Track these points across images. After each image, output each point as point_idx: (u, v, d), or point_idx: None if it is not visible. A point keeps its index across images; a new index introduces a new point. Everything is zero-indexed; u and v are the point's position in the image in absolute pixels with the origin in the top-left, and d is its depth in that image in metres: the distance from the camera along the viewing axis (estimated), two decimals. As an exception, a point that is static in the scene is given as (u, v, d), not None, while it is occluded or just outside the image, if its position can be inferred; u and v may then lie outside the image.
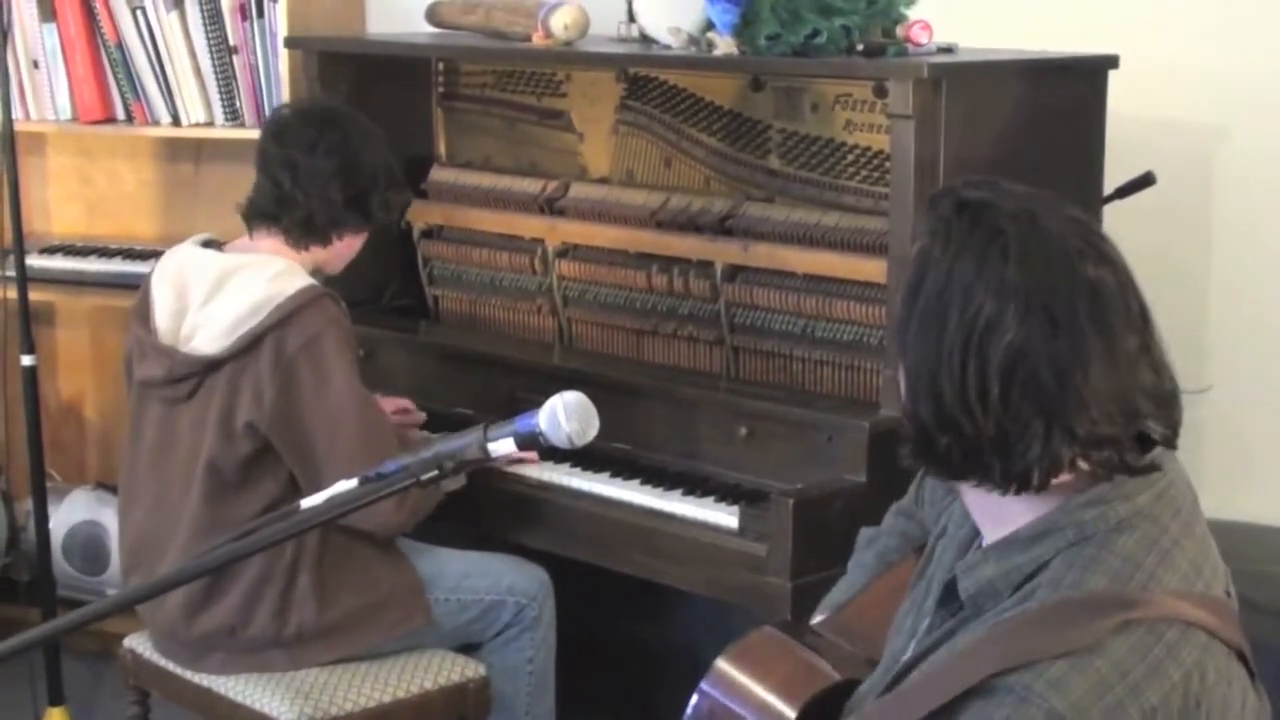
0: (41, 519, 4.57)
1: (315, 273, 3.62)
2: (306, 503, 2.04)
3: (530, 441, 2.06)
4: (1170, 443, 1.91)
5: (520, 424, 2.05)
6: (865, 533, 2.47)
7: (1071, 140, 3.64)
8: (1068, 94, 3.63)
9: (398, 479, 2.01)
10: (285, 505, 3.36)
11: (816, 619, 2.35)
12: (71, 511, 5.03)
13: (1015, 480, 1.86)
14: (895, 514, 2.44)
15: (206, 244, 3.68)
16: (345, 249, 3.68)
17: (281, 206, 3.59)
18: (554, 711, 3.79)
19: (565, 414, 2.05)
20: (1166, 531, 1.88)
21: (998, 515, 1.92)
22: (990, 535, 1.94)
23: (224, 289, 3.49)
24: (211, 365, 3.46)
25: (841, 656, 2.15)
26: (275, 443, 3.43)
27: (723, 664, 2.14)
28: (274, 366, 3.41)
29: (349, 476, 3.30)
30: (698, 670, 3.87)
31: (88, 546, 5.00)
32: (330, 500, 2.03)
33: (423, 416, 3.99)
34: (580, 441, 2.05)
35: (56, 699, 4.46)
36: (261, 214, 3.62)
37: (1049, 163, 3.56)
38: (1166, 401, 1.89)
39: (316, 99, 4.15)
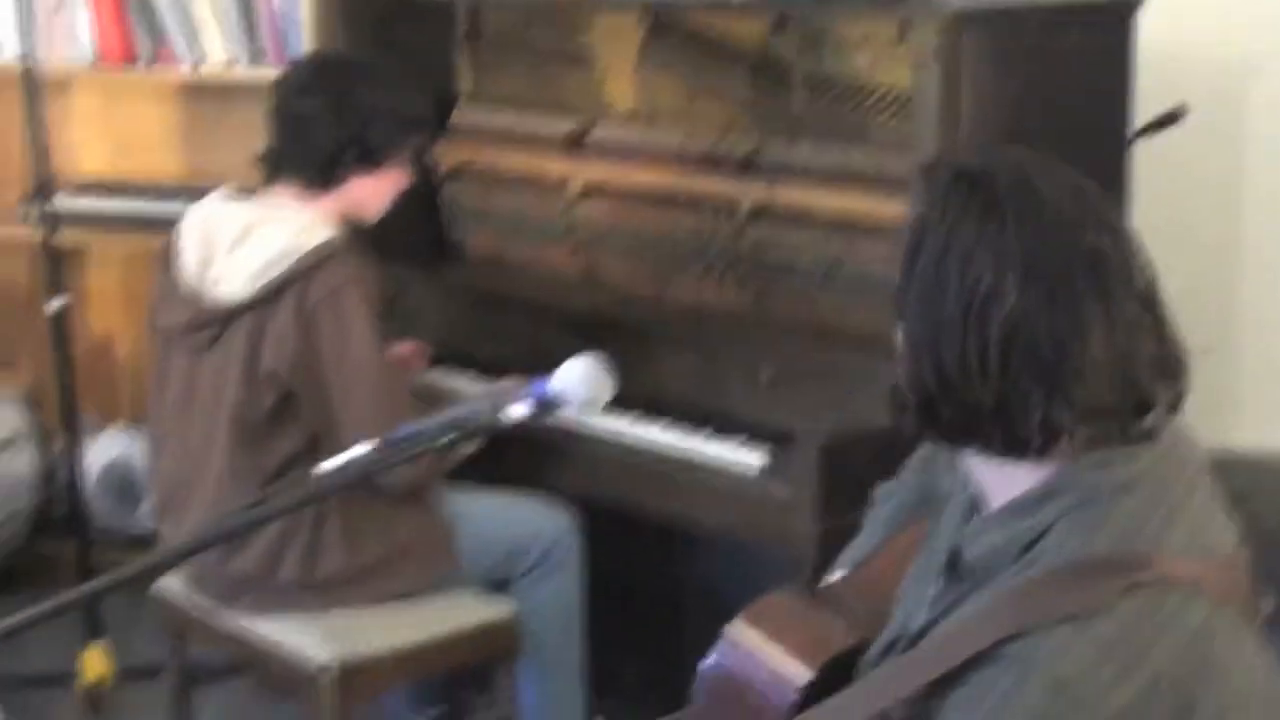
0: (73, 459, 4.63)
1: (347, 221, 3.63)
2: (323, 467, 2.07)
3: (545, 406, 2.08)
4: (1174, 410, 1.92)
5: (535, 389, 2.07)
6: (883, 487, 2.48)
7: (1098, 80, 3.64)
8: (1094, 34, 3.63)
9: (413, 444, 2.04)
10: (312, 454, 3.45)
11: (834, 576, 2.38)
12: (105, 449, 5.10)
13: (1015, 447, 1.87)
14: (912, 468, 2.46)
15: (233, 196, 3.69)
16: (365, 192, 3.67)
17: (285, 154, 3.63)
18: (583, 652, 3.82)
19: (580, 378, 2.07)
20: (1171, 490, 1.89)
21: (999, 481, 1.94)
22: (993, 500, 1.95)
23: (249, 238, 3.52)
24: (234, 313, 3.49)
25: (858, 618, 2.17)
26: (296, 391, 3.47)
27: (739, 625, 2.16)
28: (296, 317, 3.44)
29: (362, 432, 3.37)
30: (726, 610, 3.92)
31: (121, 483, 5.07)
32: (346, 465, 2.06)
33: (427, 358, 4.02)
34: (595, 407, 2.07)
35: (96, 633, 4.51)
36: (272, 164, 3.66)
37: (1075, 103, 3.56)
38: (1172, 370, 1.90)
39: (325, 49, 4.16)
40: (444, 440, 2.05)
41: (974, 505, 2.01)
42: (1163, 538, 1.86)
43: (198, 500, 3.57)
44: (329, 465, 2.06)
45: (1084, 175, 3.55)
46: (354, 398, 3.44)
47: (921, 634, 1.96)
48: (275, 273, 3.46)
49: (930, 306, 1.89)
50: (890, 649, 2.02)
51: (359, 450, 2.08)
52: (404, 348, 3.91)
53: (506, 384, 3.59)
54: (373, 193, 3.69)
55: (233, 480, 3.51)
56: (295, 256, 3.46)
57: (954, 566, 1.97)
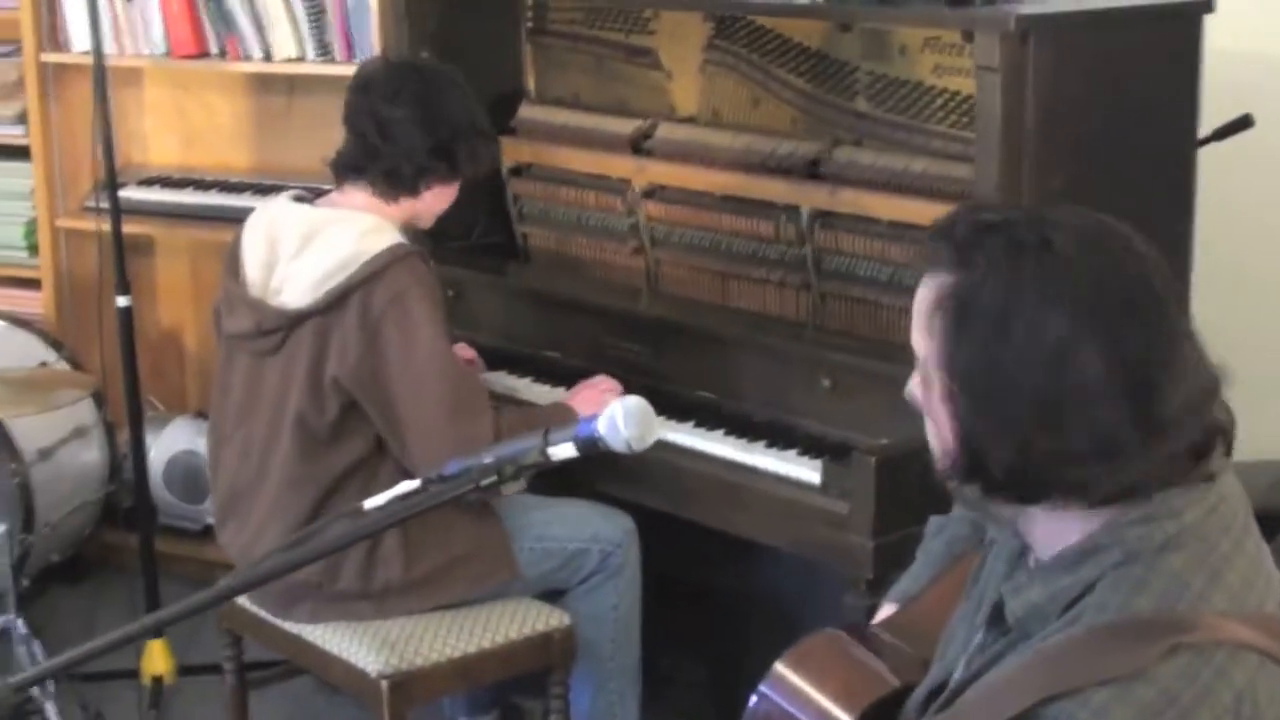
0: (138, 452, 4.65)
1: (406, 227, 3.63)
2: (370, 503, 2.06)
3: (589, 446, 2.06)
4: (1229, 448, 1.89)
5: (580, 429, 2.06)
6: (935, 520, 2.45)
7: (1164, 86, 3.58)
8: (1161, 40, 3.57)
9: (458, 483, 2.03)
10: (376, 461, 3.45)
11: (883, 612, 2.35)
12: (172, 440, 5.11)
13: (1092, 496, 1.84)
14: None
15: (299, 199, 3.70)
16: (435, 201, 3.67)
17: (368, 158, 3.60)
18: (639, 658, 3.81)
19: (624, 420, 2.05)
20: (1216, 549, 1.85)
21: (1046, 532, 1.90)
22: (1039, 550, 1.92)
23: (313, 243, 3.51)
24: (298, 319, 3.49)
25: (902, 660, 2.14)
26: (360, 399, 3.46)
27: (782, 667, 2.14)
28: (360, 323, 3.44)
29: (432, 437, 3.39)
30: (784, 618, 3.93)
31: (187, 475, 5.08)
32: (393, 501, 2.06)
33: (481, 364, 4.01)
34: (639, 447, 2.06)
35: (158, 629, 4.53)
36: (349, 167, 3.63)
37: (1140, 110, 3.51)
38: (1215, 395, 1.88)
39: (404, 54, 4.16)
40: (488, 480, 2.04)
41: (1019, 553, 1.98)
42: (1207, 597, 1.82)
43: (259, 506, 3.58)
44: (375, 501, 2.05)
45: (1149, 181, 3.54)
46: (423, 401, 3.43)
47: (962, 688, 1.93)
48: (339, 279, 3.45)
49: (998, 371, 1.84)
50: (932, 697, 2.00)
51: (404, 486, 2.07)
52: (459, 351, 3.90)
53: (556, 406, 3.62)
54: (439, 202, 3.69)
55: (293, 488, 3.52)
56: (359, 262, 3.45)
57: (997, 619, 1.94)
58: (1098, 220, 1.90)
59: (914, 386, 1.96)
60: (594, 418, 2.06)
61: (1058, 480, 1.85)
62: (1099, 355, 1.81)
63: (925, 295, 1.91)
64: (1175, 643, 1.76)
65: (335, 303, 3.46)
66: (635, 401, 2.06)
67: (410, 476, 3.37)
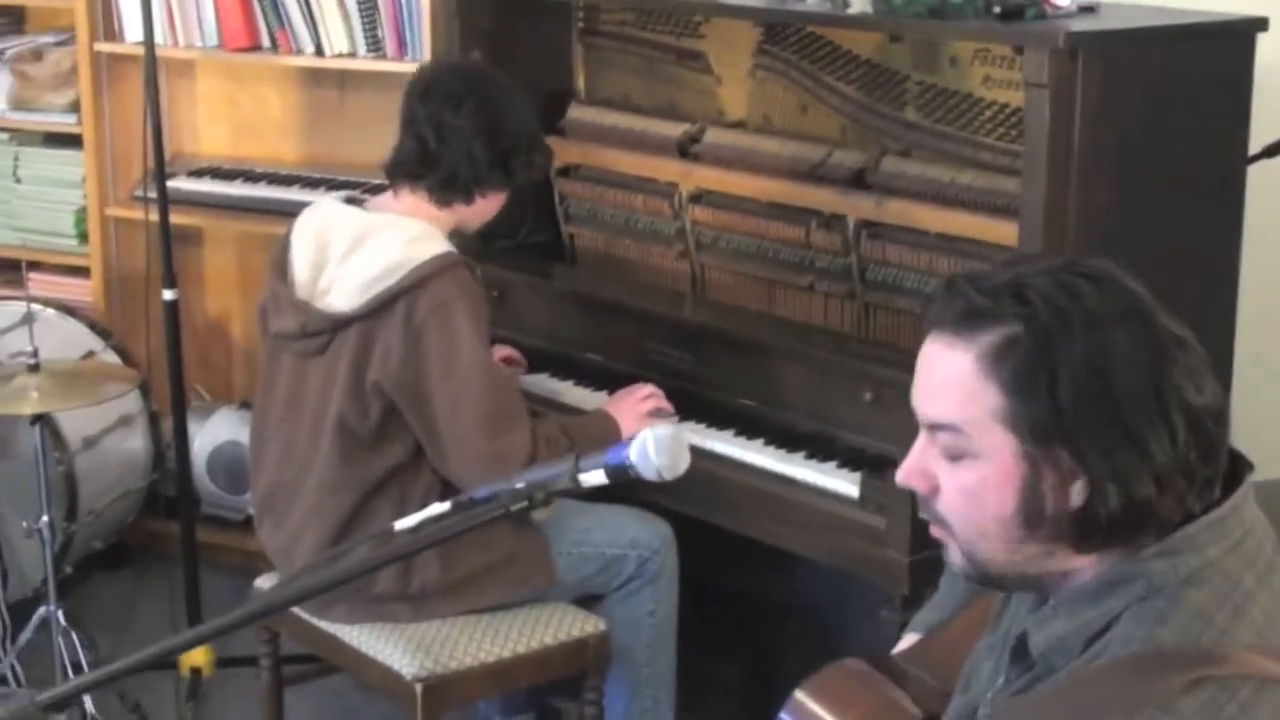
0: (182, 442, 4.69)
1: (454, 232, 3.65)
2: (400, 524, 2.08)
3: (620, 474, 2.07)
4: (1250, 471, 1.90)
5: (611, 456, 2.06)
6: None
7: (1215, 104, 3.56)
8: (1212, 58, 3.54)
9: (488, 508, 2.04)
10: (412, 470, 3.47)
11: (905, 641, 2.35)
12: (217, 430, 5.15)
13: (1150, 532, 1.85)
14: None
15: (349, 201, 3.72)
16: (486, 207, 3.69)
17: (426, 165, 3.61)
18: (675, 664, 3.82)
19: (655, 448, 2.06)
20: (1239, 585, 1.84)
21: (1063, 572, 1.90)
22: (1056, 591, 1.92)
23: (362, 247, 3.53)
24: (343, 322, 3.50)
25: (924, 691, 2.14)
26: (400, 405, 3.48)
27: (802, 696, 2.14)
28: (403, 330, 3.45)
29: (468, 447, 3.41)
30: (821, 626, 3.94)
31: (231, 465, 5.11)
32: (424, 523, 2.07)
33: (525, 364, 4.03)
34: (670, 476, 2.06)
35: (197, 622, 4.56)
36: (406, 172, 3.64)
37: (1191, 127, 3.49)
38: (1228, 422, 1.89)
39: (455, 54, 4.17)
40: (518, 505, 2.05)
41: None
42: (1230, 632, 1.81)
43: (297, 507, 3.61)
44: (405, 523, 2.07)
45: (1199, 199, 3.52)
46: (461, 411, 3.44)
47: (990, 723, 1.94)
48: (385, 285, 3.46)
49: (1103, 419, 1.82)
50: (955, 726, 2.00)
51: (435, 509, 2.08)
52: (500, 353, 3.92)
53: (595, 416, 3.63)
54: (490, 208, 3.71)
55: (333, 491, 3.54)
56: (406, 268, 3.46)
57: (1021, 653, 1.94)
58: (1104, 275, 1.88)
59: (925, 463, 1.94)
60: (626, 444, 2.06)
61: (1155, 511, 1.84)
62: (1183, 390, 1.82)
63: (963, 359, 1.86)
64: (1201, 676, 1.75)
65: (381, 308, 3.47)
66: (667, 430, 2.07)
67: (447, 484, 3.46)
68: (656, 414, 3.69)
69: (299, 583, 2.16)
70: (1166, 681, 1.75)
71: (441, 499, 3.45)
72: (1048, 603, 1.94)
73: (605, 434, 3.58)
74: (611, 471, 2.06)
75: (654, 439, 2.05)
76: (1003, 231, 3.52)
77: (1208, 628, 1.81)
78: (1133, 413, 1.80)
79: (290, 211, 4.77)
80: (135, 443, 5.07)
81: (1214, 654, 1.78)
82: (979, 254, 3.58)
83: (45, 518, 4.16)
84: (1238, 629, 1.82)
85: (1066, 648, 1.87)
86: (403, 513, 3.44)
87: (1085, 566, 1.88)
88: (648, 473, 2.06)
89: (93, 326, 5.15)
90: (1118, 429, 1.81)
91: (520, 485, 2.06)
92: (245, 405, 5.14)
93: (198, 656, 4.42)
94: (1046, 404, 1.81)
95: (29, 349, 4.08)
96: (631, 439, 2.06)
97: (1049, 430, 1.82)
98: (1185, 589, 1.82)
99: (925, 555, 3.23)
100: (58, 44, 5.35)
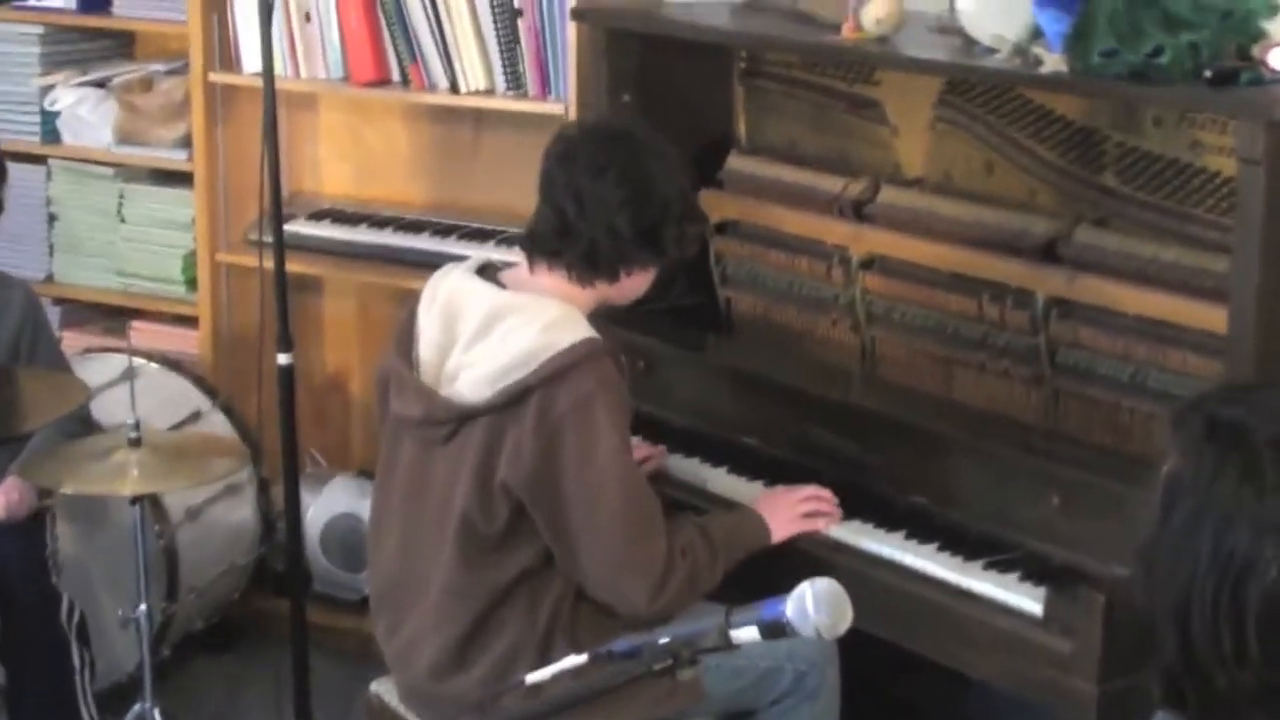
0: (293, 515, 4.72)
1: (599, 308, 3.63)
2: (532, 677, 2.11)
3: (775, 631, 2.09)
4: None
5: (766, 611, 2.09)
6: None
7: None
8: None
9: (629, 668, 2.07)
10: (542, 577, 3.50)
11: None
12: (332, 501, 5.20)
13: None
14: None
15: (482, 269, 3.68)
16: (633, 286, 3.65)
17: (564, 239, 3.56)
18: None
19: (814, 604, 2.08)
20: None
21: None
22: None
23: (493, 330, 3.51)
24: (471, 414, 3.51)
25: None
26: (529, 507, 3.49)
27: None
28: (538, 427, 3.44)
29: (602, 554, 3.42)
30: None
31: (346, 539, 5.17)
32: (560, 677, 2.10)
33: (664, 456, 4.04)
34: (829, 636, 2.08)
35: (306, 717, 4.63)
36: (543, 247, 3.60)
37: None
38: None
39: (606, 116, 4.20)
40: (661, 665, 2.07)
41: None
42: None
43: (417, 612, 3.63)
44: (538, 676, 2.10)
45: None
46: (597, 514, 3.45)
47: None
48: (518, 376, 3.45)
49: (1180, 571, 1.87)
50: None
51: (570, 661, 2.11)
52: (640, 451, 3.90)
53: (743, 520, 3.63)
54: (637, 286, 3.68)
55: (455, 598, 3.56)
56: (542, 359, 3.44)
57: None
58: None
59: None
60: (782, 600, 2.08)
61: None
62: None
63: None
64: None
65: (512, 401, 3.46)
66: (827, 584, 2.09)
67: (580, 594, 3.47)
68: (815, 517, 3.69)
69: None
70: None
71: (573, 610, 3.53)
72: None
73: (753, 541, 3.60)
74: (765, 628, 2.08)
75: (813, 593, 2.07)
76: (1211, 317, 3.50)
77: None
78: (1200, 596, 1.88)
79: (417, 261, 4.86)
80: (243, 513, 5.13)
81: None
82: (1183, 340, 3.57)
83: (143, 606, 4.21)
84: None
85: None
86: (531, 624, 3.51)
87: None
88: (805, 630, 2.08)
89: (199, 383, 5.22)
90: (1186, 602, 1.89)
91: (665, 640, 2.08)
92: (364, 474, 5.18)
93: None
94: (1159, 546, 1.95)
95: (130, 418, 4.08)
96: (786, 597, 2.08)
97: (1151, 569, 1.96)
98: None
99: (1117, 684, 3.22)
100: (169, 73, 5.44)
